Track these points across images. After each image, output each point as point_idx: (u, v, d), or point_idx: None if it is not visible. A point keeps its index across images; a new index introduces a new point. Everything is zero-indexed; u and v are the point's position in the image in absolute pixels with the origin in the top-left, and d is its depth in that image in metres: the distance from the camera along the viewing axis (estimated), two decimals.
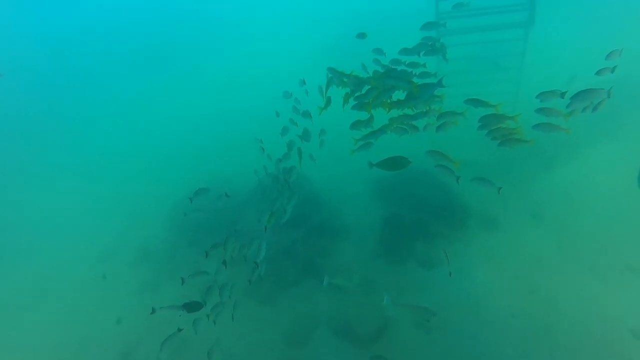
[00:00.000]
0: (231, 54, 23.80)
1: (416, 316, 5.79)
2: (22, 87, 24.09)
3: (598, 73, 5.85)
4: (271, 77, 18.22)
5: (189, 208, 7.46)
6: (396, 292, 7.75)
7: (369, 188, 10.20)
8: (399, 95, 5.99)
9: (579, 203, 8.70)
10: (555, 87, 11.89)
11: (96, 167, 15.50)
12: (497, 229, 8.66)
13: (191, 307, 5.89)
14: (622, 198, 8.37)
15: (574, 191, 9.07)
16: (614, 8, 15.55)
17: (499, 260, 8.02)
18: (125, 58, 25.55)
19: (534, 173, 9.80)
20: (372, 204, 9.78)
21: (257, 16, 27.31)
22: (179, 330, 5.85)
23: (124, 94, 21.63)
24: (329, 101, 6.82)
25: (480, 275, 7.82)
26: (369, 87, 6.08)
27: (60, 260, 10.78)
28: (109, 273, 9.90)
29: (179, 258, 9.59)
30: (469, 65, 12.99)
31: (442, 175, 5.40)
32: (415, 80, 5.83)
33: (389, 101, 5.94)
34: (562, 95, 4.95)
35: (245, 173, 10.20)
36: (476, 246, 8.39)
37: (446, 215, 8.97)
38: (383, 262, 8.39)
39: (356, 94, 6.32)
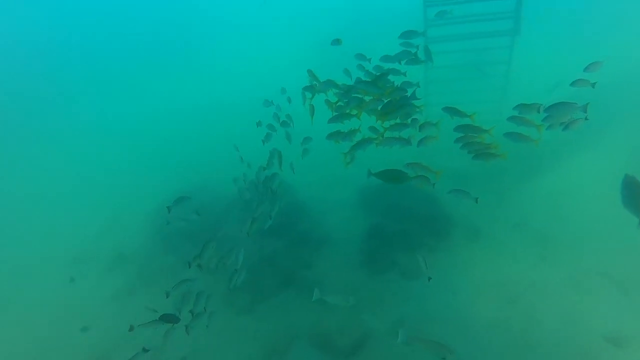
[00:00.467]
0: (223, 51, 23.72)
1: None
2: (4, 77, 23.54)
3: (574, 84, 5.95)
4: (260, 79, 18.24)
5: (172, 216, 7.44)
6: (378, 303, 7.86)
7: (353, 197, 10.33)
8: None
9: (560, 212, 8.99)
10: (539, 95, 12.24)
11: (75, 166, 15.23)
12: (480, 238, 8.87)
13: (168, 319, 5.84)
14: (601, 207, 8.66)
15: (555, 200, 9.36)
16: (600, 17, 16.11)
17: (481, 270, 8.22)
18: (115, 53, 25.23)
19: (517, 182, 10.06)
20: (356, 213, 9.90)
21: (250, 13, 27.21)
22: (145, 350, 5.73)
23: (108, 90, 21.35)
24: (312, 109, 6.90)
25: (462, 285, 7.99)
26: (353, 96, 6.17)
27: (32, 262, 10.56)
28: (82, 277, 9.77)
29: (156, 265, 9.52)
30: (456, 73, 13.29)
31: (419, 186, 5.51)
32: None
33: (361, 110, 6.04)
34: (539, 109, 5.09)
35: (228, 179, 10.21)
36: (459, 256, 8.57)
37: (430, 225, 9.14)
38: (365, 273, 8.50)
39: (337, 103, 6.40)
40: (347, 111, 6.17)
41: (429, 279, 5.68)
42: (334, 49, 7.80)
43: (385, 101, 6.05)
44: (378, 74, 7.21)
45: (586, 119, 5.06)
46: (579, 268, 7.82)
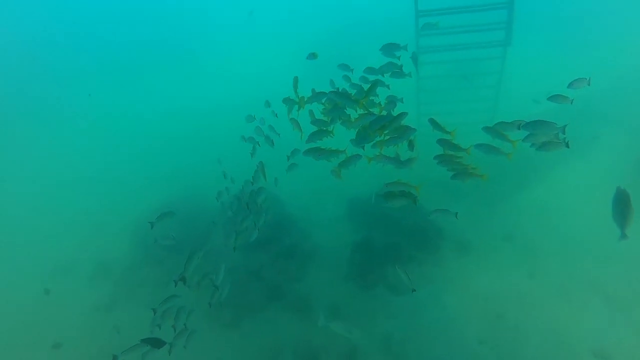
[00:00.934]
0: (214, 55, 23.65)
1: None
2: None
3: (551, 99, 5.92)
4: (252, 83, 18.29)
5: (159, 234, 7.41)
6: (366, 318, 7.95)
7: (342, 208, 10.44)
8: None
9: (550, 223, 9.20)
10: (530, 106, 12.41)
11: (57, 172, 15.00)
12: (469, 252, 9.01)
13: (152, 343, 5.75)
14: (591, 219, 8.87)
15: (545, 212, 9.56)
16: (591, 27, 16.56)
17: (470, 284, 8.35)
18: (102, 54, 25.06)
19: (508, 192, 10.24)
20: (344, 225, 10.01)
21: (242, 17, 27.14)
22: None
23: (93, 93, 21.12)
24: (297, 123, 6.97)
25: (450, 300, 8.11)
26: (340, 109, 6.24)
27: (8, 272, 10.40)
28: (60, 289, 9.66)
29: (139, 276, 9.52)
30: (448, 83, 13.58)
31: (396, 204, 5.57)
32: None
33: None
34: (519, 126, 5.19)
35: (216, 187, 10.23)
36: (448, 270, 8.71)
37: (419, 237, 9.26)
38: (353, 287, 8.60)
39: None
40: (326, 128, 6.21)
41: (413, 290, 5.77)
42: (326, 54, 7.87)
43: (374, 117, 6.03)
44: (367, 84, 7.33)
45: (567, 145, 5.09)
46: (568, 282, 7.98)
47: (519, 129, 5.13)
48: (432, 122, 6.19)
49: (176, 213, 6.88)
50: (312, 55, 7.61)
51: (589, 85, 6.24)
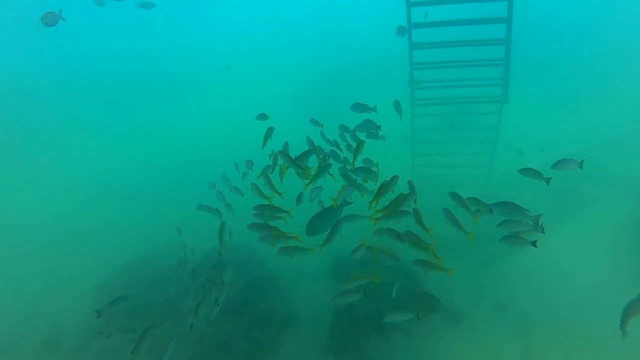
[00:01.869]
0: (189, 100, 23.82)
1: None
2: None
3: (521, 172, 5.87)
4: (226, 137, 18.33)
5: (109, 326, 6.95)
6: None
7: (326, 269, 10.35)
8: None
9: (545, 294, 9.13)
10: (521, 162, 12.70)
11: (6, 231, 14.25)
12: (459, 322, 8.86)
13: None
14: (589, 288, 8.87)
15: (541, 277, 9.54)
16: (589, 86, 17.44)
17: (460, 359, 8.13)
18: (68, 102, 24.99)
19: (500, 254, 10.19)
20: (327, 288, 9.83)
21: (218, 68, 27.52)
22: None
23: (52, 142, 20.65)
24: (257, 189, 7.04)
25: None
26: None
27: None
28: None
29: (94, 349, 9.16)
30: (444, 135, 14.03)
31: (347, 301, 5.57)
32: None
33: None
34: (492, 210, 5.26)
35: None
36: (436, 343, 8.50)
37: (405, 304, 9.10)
38: None
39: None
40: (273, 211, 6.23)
41: None
42: (313, 103, 8.00)
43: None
44: (344, 142, 7.53)
45: (534, 245, 5.16)
46: None
47: (491, 212, 5.21)
48: (410, 185, 6.35)
49: (131, 296, 6.70)
50: (262, 117, 7.75)
51: (581, 168, 6.08)
